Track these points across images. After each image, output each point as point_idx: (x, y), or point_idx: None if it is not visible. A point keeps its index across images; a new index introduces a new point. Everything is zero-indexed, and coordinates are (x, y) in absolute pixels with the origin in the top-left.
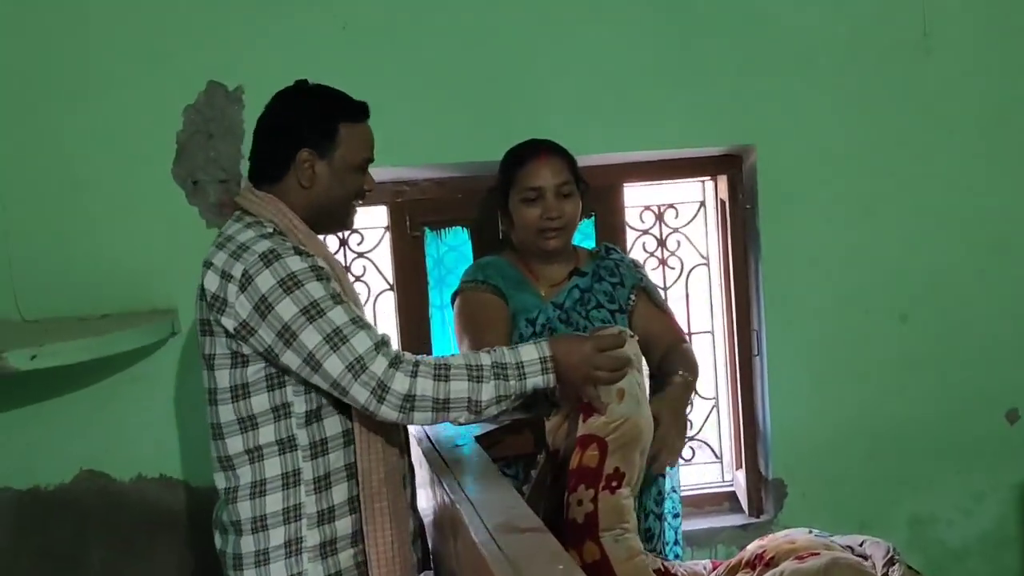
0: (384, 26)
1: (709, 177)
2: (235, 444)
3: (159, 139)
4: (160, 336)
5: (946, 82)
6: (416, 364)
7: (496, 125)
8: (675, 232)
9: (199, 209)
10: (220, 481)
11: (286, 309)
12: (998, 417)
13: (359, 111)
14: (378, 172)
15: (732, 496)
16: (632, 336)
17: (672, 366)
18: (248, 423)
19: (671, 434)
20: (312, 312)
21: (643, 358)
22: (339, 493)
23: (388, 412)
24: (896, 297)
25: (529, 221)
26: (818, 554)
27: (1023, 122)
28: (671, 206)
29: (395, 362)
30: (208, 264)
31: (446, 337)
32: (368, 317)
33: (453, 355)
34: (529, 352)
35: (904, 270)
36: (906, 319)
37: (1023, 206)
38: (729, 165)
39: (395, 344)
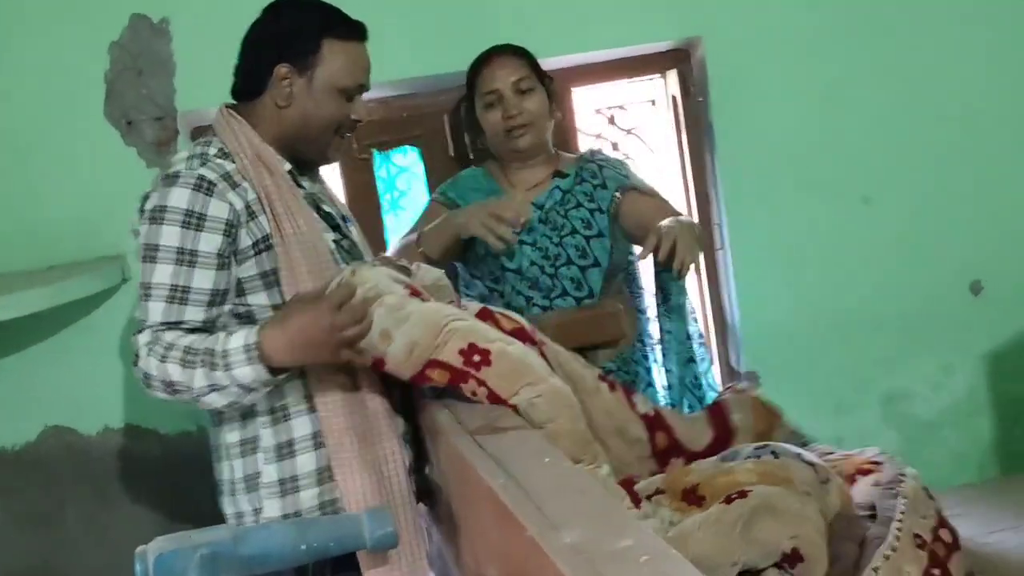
0: None
1: (658, 74)
2: None
3: (88, 80)
4: (111, 283)
5: None
6: (168, 348)
7: (439, 39)
8: (628, 133)
9: (137, 149)
10: None
11: (141, 235)
12: (963, 290)
13: (351, 29)
14: None
15: None
16: (369, 263)
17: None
18: None
19: (684, 236)
20: (148, 254)
21: (399, 276)
22: (300, 427)
23: (150, 393)
24: (857, 180)
25: (493, 125)
26: (746, 495)
27: None
28: (621, 107)
29: (151, 342)
30: None
31: None
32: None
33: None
34: (237, 339)
35: (864, 153)
36: (869, 201)
37: (986, 81)
38: (677, 60)
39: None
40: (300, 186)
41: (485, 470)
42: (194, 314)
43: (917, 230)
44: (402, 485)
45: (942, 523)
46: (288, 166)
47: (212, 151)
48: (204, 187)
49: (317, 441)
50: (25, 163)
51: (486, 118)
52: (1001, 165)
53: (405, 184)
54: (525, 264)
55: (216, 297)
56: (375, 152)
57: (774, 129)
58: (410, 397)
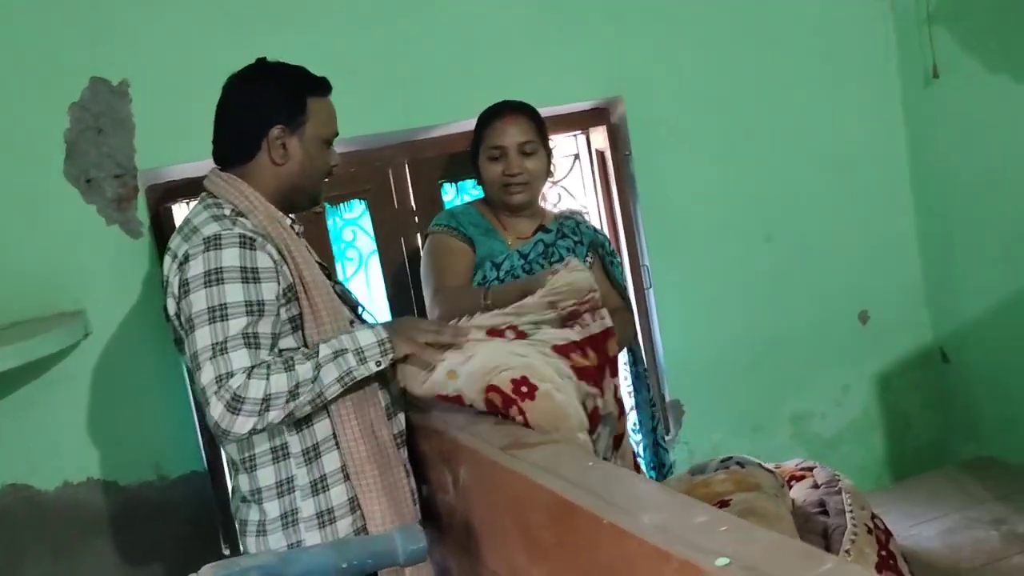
0: (264, 10)
1: (581, 131)
2: None
3: (49, 140)
4: (75, 338)
5: (787, 23)
6: (268, 367)
7: (384, 99)
8: (554, 185)
9: (96, 207)
10: (232, 452)
11: (198, 301)
12: (852, 319)
13: (323, 85)
14: None
15: None
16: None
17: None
18: None
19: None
20: (216, 314)
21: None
22: (330, 462)
23: (244, 423)
24: (760, 221)
25: (493, 177)
26: (728, 502)
27: (856, 54)
28: None
29: (251, 373)
30: (167, 249)
31: None
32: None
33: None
34: (367, 337)
35: (765, 196)
36: (771, 239)
37: (862, 129)
38: (599, 118)
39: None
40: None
41: (537, 476)
42: (267, 357)
43: (812, 266)
44: (410, 507)
45: (874, 515)
46: (288, 220)
47: (227, 211)
48: (248, 243)
49: (346, 473)
50: None
51: (488, 168)
52: (880, 207)
53: (351, 235)
54: None
55: (276, 340)
56: (327, 205)
57: (687, 178)
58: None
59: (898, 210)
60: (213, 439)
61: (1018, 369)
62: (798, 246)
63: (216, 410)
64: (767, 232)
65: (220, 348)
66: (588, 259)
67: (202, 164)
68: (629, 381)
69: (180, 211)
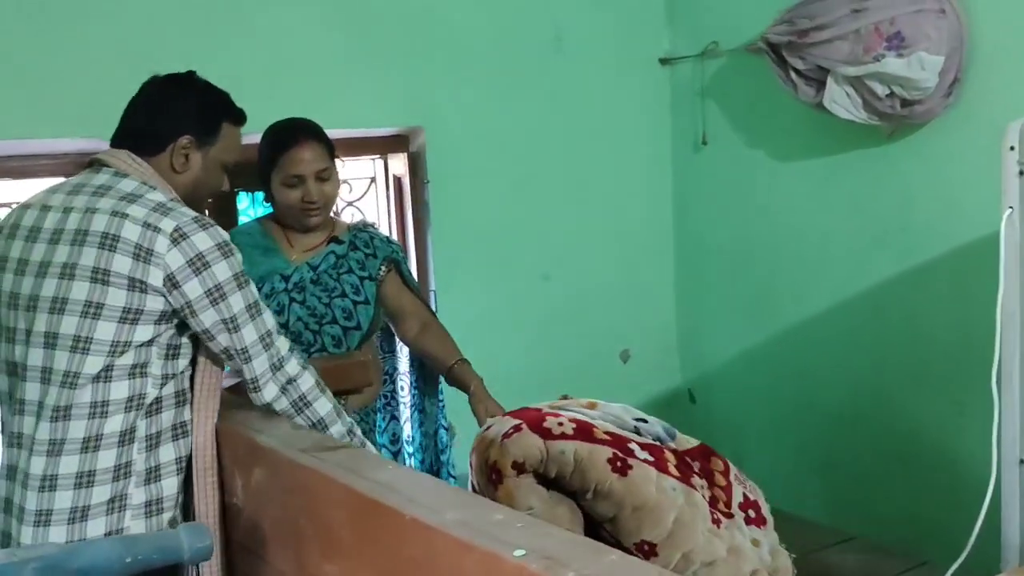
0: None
1: (379, 155)
2: (83, 394)
3: None
4: None
5: (574, 78)
6: (306, 361)
7: None
8: (349, 205)
9: None
10: (43, 431)
11: (222, 271)
12: (615, 357)
13: (241, 116)
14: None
15: None
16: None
17: (446, 354)
18: (104, 376)
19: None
20: (241, 281)
21: None
22: (166, 453)
23: (271, 390)
24: (541, 259)
25: (291, 202)
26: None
27: (636, 117)
28: (345, 182)
29: (292, 347)
30: (120, 214)
31: None
32: None
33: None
34: None
35: (546, 235)
36: (548, 278)
37: (636, 185)
38: (399, 144)
39: None
40: None
41: (340, 476)
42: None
43: (583, 305)
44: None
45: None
46: None
47: (175, 197)
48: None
49: (179, 466)
50: None
51: (285, 194)
52: (645, 258)
53: None
54: (292, 320)
55: None
56: None
57: (476, 211)
58: None
59: (660, 262)
60: None
61: (750, 412)
62: (572, 286)
63: (262, 367)
64: (545, 271)
65: (255, 311)
66: (382, 271)
67: None
68: (415, 398)
69: None
